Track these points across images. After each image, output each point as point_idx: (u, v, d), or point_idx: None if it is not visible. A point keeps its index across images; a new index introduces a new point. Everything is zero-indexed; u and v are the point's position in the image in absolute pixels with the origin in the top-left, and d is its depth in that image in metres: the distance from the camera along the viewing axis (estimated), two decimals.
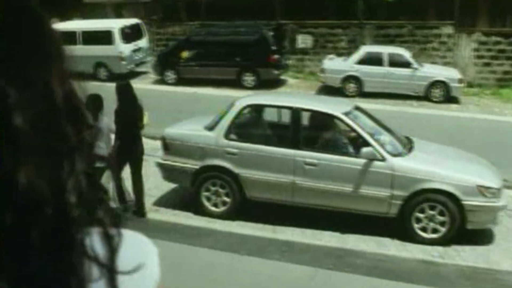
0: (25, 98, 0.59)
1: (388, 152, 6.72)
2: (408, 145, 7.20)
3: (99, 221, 0.67)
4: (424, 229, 6.66)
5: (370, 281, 5.47)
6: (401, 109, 14.33)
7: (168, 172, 7.69)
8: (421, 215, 6.63)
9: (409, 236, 6.72)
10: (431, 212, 6.59)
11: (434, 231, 6.64)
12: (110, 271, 0.65)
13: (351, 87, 15.47)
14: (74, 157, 0.63)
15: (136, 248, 0.73)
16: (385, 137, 7.11)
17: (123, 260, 0.69)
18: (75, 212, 0.62)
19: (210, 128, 7.42)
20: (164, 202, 8.04)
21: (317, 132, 7.44)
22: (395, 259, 6.29)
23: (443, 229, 6.58)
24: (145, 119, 7.51)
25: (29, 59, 0.61)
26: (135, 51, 18.30)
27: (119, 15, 21.49)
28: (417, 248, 6.58)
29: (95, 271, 0.64)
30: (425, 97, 15.00)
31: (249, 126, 7.74)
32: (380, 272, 5.82)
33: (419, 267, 6.11)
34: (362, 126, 6.94)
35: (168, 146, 7.57)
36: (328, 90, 15.65)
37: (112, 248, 0.67)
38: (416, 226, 6.64)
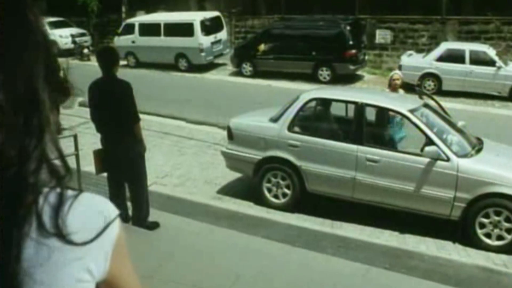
0: (9, 80, 0.71)
1: (453, 152, 6.47)
2: (477, 146, 6.89)
3: (51, 186, 0.77)
4: (488, 235, 6.35)
5: (424, 285, 5.32)
6: (482, 110, 13.66)
7: (231, 161, 7.87)
8: (485, 220, 6.32)
9: (472, 241, 6.44)
10: (497, 218, 6.26)
11: (499, 238, 6.31)
12: (58, 235, 0.74)
13: (429, 84, 14.95)
14: (43, 133, 0.74)
15: (93, 209, 0.81)
16: (453, 136, 6.84)
17: (80, 220, 0.78)
18: (32, 179, 0.73)
19: (275, 120, 7.50)
20: (228, 190, 8.24)
21: (381, 128, 7.31)
22: (454, 264, 6.04)
23: (509, 237, 6.24)
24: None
25: (17, 51, 0.73)
26: (214, 43, 18.74)
27: (201, 8, 22.08)
28: (479, 254, 6.28)
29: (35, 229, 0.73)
30: (509, 98, 14.17)
31: (312, 119, 7.75)
32: (437, 276, 5.63)
33: (480, 274, 5.83)
34: (428, 124, 6.73)
35: (233, 136, 7.75)
36: (405, 87, 15.17)
37: (59, 209, 0.77)
38: (479, 231, 6.35)
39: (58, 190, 0.78)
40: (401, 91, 8.22)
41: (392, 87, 8.14)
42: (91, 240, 0.77)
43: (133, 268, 0.90)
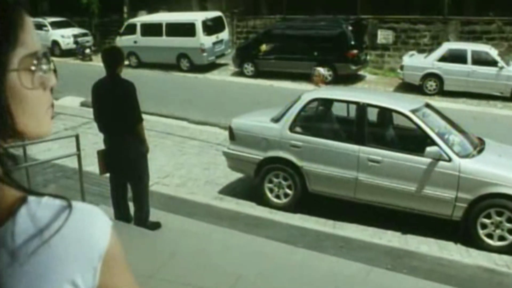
0: None
1: (455, 152, 6.46)
2: (479, 147, 6.88)
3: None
4: (490, 236, 6.34)
5: (426, 285, 5.31)
6: (484, 110, 13.64)
7: (233, 161, 7.87)
8: (487, 221, 6.32)
9: (473, 241, 6.43)
10: (498, 218, 6.26)
11: (501, 238, 6.30)
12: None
13: (431, 85, 14.93)
14: None
15: (83, 220, 0.78)
16: (455, 137, 6.83)
17: (68, 230, 0.76)
18: None
19: (276, 120, 7.50)
20: (229, 191, 8.24)
21: (383, 129, 7.31)
22: (456, 265, 6.04)
23: (510, 237, 6.24)
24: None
25: None
26: (216, 43, 18.72)
27: (203, 8, 22.08)
28: (481, 255, 6.28)
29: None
30: None
31: (314, 119, 7.74)
32: (438, 277, 5.62)
33: (481, 275, 5.83)
34: (430, 125, 6.72)
35: (234, 136, 7.74)
36: (407, 87, 15.21)
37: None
38: (481, 232, 6.34)
39: (45, 201, 0.77)
40: (321, 85, 9.11)
41: (314, 82, 9.32)
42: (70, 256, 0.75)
43: (134, 280, 0.86)
